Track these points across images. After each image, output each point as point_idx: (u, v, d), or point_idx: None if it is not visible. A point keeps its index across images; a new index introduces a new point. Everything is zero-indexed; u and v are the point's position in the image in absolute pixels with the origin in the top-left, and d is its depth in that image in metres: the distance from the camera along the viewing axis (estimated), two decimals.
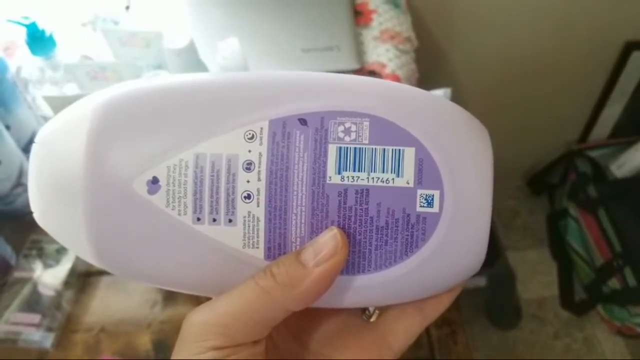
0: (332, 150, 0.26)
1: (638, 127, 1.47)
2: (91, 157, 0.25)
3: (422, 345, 0.60)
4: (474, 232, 0.27)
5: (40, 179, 0.27)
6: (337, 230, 0.24)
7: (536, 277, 1.55)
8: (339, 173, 0.26)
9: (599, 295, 1.40)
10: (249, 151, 0.25)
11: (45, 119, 0.74)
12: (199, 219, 0.26)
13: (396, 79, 0.79)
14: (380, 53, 0.80)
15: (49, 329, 0.63)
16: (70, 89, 0.66)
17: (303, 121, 0.26)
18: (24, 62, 0.73)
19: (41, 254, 0.69)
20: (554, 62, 1.30)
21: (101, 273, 0.71)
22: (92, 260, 0.27)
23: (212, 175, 0.25)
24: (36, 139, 0.27)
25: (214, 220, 0.26)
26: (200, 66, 0.66)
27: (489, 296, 1.43)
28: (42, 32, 0.65)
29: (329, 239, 0.24)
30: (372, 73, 0.79)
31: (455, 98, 0.63)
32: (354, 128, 0.26)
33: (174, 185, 0.25)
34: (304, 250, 0.24)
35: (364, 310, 0.31)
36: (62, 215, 0.27)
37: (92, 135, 0.25)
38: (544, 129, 1.52)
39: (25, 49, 0.68)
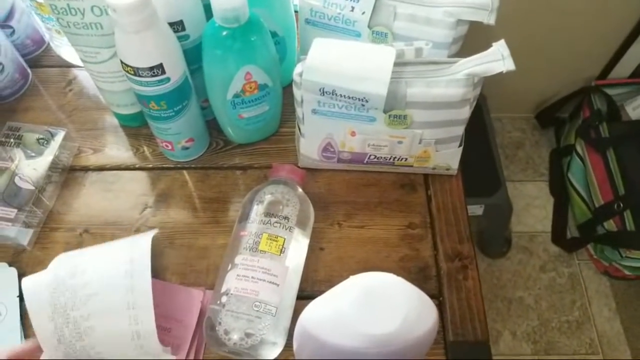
0: None
1: None
2: None
3: (430, 278, 0.57)
4: None
5: None
6: None
7: (531, 210, 1.53)
8: None
9: (592, 234, 1.38)
10: None
11: None
12: None
13: None
14: None
15: (27, 225, 0.58)
16: None
17: None
18: None
19: (19, 143, 0.62)
20: None
21: (87, 169, 0.65)
22: None
23: None
24: None
25: None
26: None
27: (483, 225, 1.41)
28: None
29: None
30: None
31: None
32: None
33: None
34: None
35: None
36: None
37: None
38: (564, 62, 1.43)
39: None
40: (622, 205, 1.26)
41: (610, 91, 1.39)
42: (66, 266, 0.49)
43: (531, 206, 1.54)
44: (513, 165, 1.59)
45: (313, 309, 0.37)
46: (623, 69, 1.42)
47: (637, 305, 1.40)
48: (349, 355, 0.35)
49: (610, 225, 1.31)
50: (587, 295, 1.41)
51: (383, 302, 0.33)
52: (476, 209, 1.30)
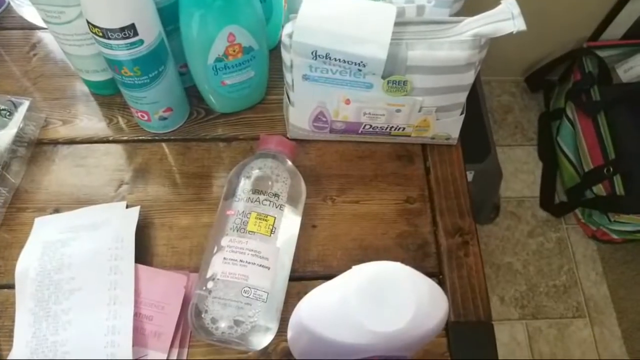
0: None
1: None
2: None
3: (429, 255, 0.53)
4: None
5: None
6: None
7: (520, 175, 1.51)
8: None
9: (581, 199, 1.37)
10: None
11: None
12: None
13: None
14: None
15: None
16: None
17: None
18: None
19: None
20: None
21: (56, 142, 0.59)
22: None
23: None
24: None
25: None
26: None
27: (472, 191, 1.39)
28: None
29: None
30: None
31: None
32: None
33: None
34: None
35: None
36: None
37: None
38: (556, 23, 1.38)
39: None
40: (612, 169, 1.24)
41: (601, 53, 1.35)
42: (53, 258, 0.49)
43: (519, 171, 1.52)
44: (502, 130, 1.56)
45: (312, 300, 0.33)
46: (615, 30, 1.39)
47: (624, 269, 1.40)
48: (346, 351, 0.31)
49: (600, 189, 1.29)
50: (574, 259, 1.41)
51: (391, 296, 0.29)
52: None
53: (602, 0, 1.34)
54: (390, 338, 0.29)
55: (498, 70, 1.56)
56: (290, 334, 0.40)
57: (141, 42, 0.47)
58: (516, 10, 0.45)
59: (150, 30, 0.48)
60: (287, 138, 0.56)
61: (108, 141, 0.59)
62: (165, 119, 0.57)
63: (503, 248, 1.42)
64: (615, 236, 1.35)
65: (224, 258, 0.45)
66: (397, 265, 0.31)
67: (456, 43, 0.46)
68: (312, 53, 0.46)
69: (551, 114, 1.51)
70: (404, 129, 0.55)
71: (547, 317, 1.34)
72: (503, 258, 1.41)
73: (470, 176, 1.28)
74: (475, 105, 1.32)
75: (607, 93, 1.30)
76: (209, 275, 0.45)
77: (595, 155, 1.30)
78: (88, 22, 0.46)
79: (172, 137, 0.59)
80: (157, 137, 0.59)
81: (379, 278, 0.30)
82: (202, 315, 0.44)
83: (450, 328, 0.50)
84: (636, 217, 1.26)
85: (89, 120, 0.61)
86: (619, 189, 1.23)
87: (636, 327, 1.33)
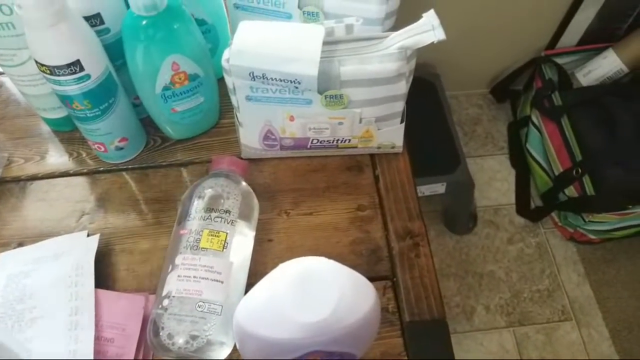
0: None
1: (608, 34, 1.41)
2: None
3: (382, 259, 0.55)
4: None
5: None
6: None
7: (494, 184, 1.54)
8: None
9: (555, 202, 1.40)
10: None
11: None
12: None
13: None
14: None
15: None
16: None
17: None
18: None
19: None
20: None
21: (19, 180, 0.61)
22: None
23: None
24: None
25: None
26: None
27: (447, 203, 1.41)
28: None
29: None
30: None
31: None
32: None
33: None
34: None
35: None
36: None
37: None
38: (513, 35, 1.43)
39: None
40: (580, 170, 1.27)
41: (560, 60, 1.40)
42: (15, 289, 0.51)
43: (494, 180, 1.54)
44: (472, 142, 1.60)
45: (246, 302, 0.35)
46: (570, 37, 1.44)
47: (605, 268, 1.42)
48: (287, 348, 0.33)
49: (571, 191, 1.32)
50: (555, 263, 1.43)
51: (314, 288, 0.31)
52: (438, 187, 1.30)
53: (553, 11, 1.39)
54: (319, 329, 0.31)
55: (463, 84, 1.60)
56: (237, 343, 0.41)
57: (88, 76, 0.50)
58: (436, 21, 0.48)
59: (96, 65, 0.50)
60: (241, 158, 0.59)
61: (69, 174, 0.62)
62: (121, 148, 0.59)
63: (484, 257, 1.43)
64: (592, 236, 1.37)
65: (178, 275, 0.47)
66: (321, 260, 0.33)
67: (385, 56, 0.49)
68: (249, 74, 0.49)
69: (519, 122, 1.55)
70: (349, 140, 0.57)
71: (533, 323, 1.35)
72: (485, 267, 1.42)
73: (442, 188, 1.30)
74: (442, 119, 1.36)
75: (568, 97, 1.34)
76: (164, 293, 0.47)
77: (563, 158, 1.33)
78: (36, 62, 0.49)
79: (130, 166, 0.62)
80: (115, 167, 0.62)
81: (304, 273, 0.32)
82: (160, 333, 0.46)
83: (406, 328, 0.51)
84: (609, 215, 1.28)
85: (51, 156, 0.63)
86: (589, 189, 1.26)
87: (623, 326, 1.34)
